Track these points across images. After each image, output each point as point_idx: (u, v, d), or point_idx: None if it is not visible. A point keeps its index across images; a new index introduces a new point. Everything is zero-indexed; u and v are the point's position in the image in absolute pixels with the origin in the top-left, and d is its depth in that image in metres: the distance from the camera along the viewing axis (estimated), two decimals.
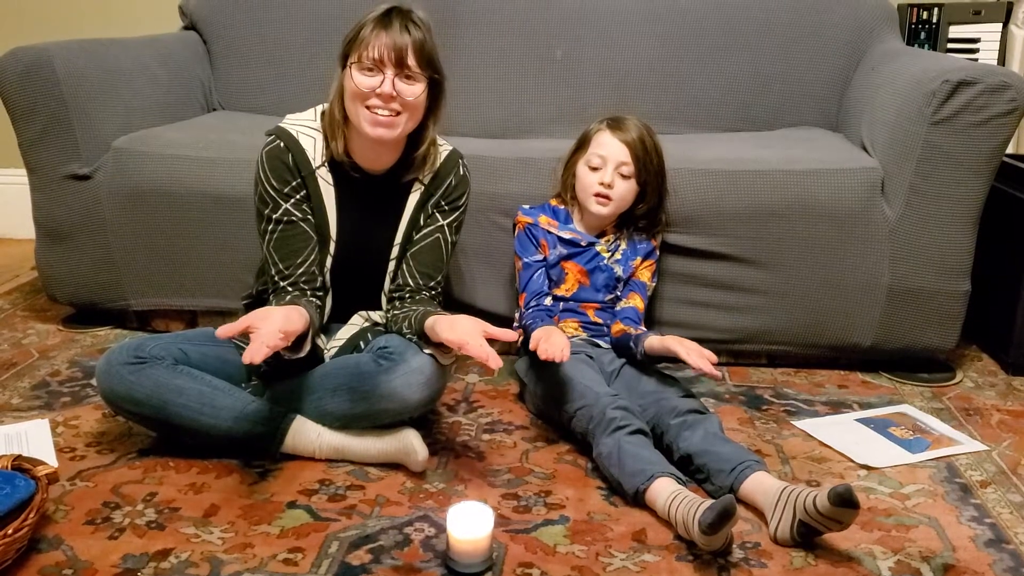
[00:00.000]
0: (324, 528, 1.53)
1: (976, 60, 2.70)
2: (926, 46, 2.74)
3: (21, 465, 1.52)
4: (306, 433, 1.73)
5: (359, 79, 1.70)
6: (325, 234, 1.82)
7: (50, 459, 1.72)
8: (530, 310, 2.02)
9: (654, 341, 1.87)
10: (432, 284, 1.86)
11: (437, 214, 1.86)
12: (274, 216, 1.78)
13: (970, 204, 2.07)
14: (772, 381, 2.19)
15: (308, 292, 1.79)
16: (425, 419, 1.89)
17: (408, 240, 1.86)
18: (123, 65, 2.43)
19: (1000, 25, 2.71)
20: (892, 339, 2.17)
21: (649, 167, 1.99)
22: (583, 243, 2.05)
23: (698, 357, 1.76)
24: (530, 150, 2.26)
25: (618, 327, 1.99)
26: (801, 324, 2.18)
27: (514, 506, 1.61)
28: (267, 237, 1.79)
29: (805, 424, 1.95)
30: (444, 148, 1.88)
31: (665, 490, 1.56)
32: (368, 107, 1.70)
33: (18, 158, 2.34)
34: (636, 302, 2.05)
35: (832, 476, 1.74)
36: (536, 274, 2.05)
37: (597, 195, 1.99)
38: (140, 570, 1.41)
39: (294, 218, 1.78)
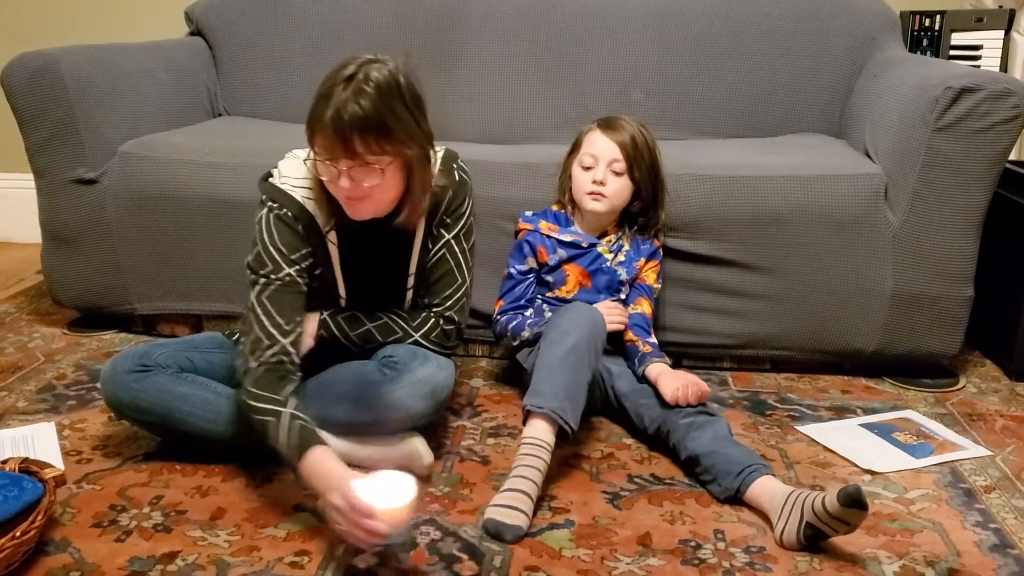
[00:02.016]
0: (330, 531, 1.53)
1: (978, 67, 2.71)
2: (928, 53, 2.75)
3: (29, 468, 1.52)
4: None
5: (320, 169, 1.56)
6: (334, 294, 1.78)
7: (56, 462, 1.73)
8: (505, 316, 2.05)
9: (652, 371, 1.88)
10: (439, 300, 1.78)
11: (442, 230, 1.77)
12: (275, 276, 1.64)
13: (973, 210, 2.08)
14: (776, 386, 2.19)
15: (297, 361, 1.64)
16: (430, 423, 1.89)
17: (422, 266, 1.79)
18: (129, 70, 2.44)
19: (1002, 32, 2.71)
20: (895, 345, 2.17)
21: (641, 163, 2.00)
22: (584, 244, 2.06)
23: (680, 397, 1.78)
24: (534, 155, 2.27)
25: (628, 335, 2.00)
26: (805, 329, 2.19)
27: None
28: (260, 291, 1.63)
29: (809, 429, 1.96)
30: (435, 158, 1.72)
31: None
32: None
33: (23, 162, 2.35)
34: (644, 308, 2.05)
35: (836, 481, 1.74)
36: (519, 285, 2.07)
37: (591, 193, 2.00)
38: (147, 572, 1.42)
39: (297, 281, 1.66)
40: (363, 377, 1.72)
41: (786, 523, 1.51)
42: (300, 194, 1.66)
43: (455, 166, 1.78)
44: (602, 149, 1.99)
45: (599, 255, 2.06)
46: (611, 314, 1.95)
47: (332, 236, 1.71)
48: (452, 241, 1.77)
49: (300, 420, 1.51)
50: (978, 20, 2.74)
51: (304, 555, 1.47)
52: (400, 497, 1.36)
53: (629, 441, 1.89)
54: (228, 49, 2.81)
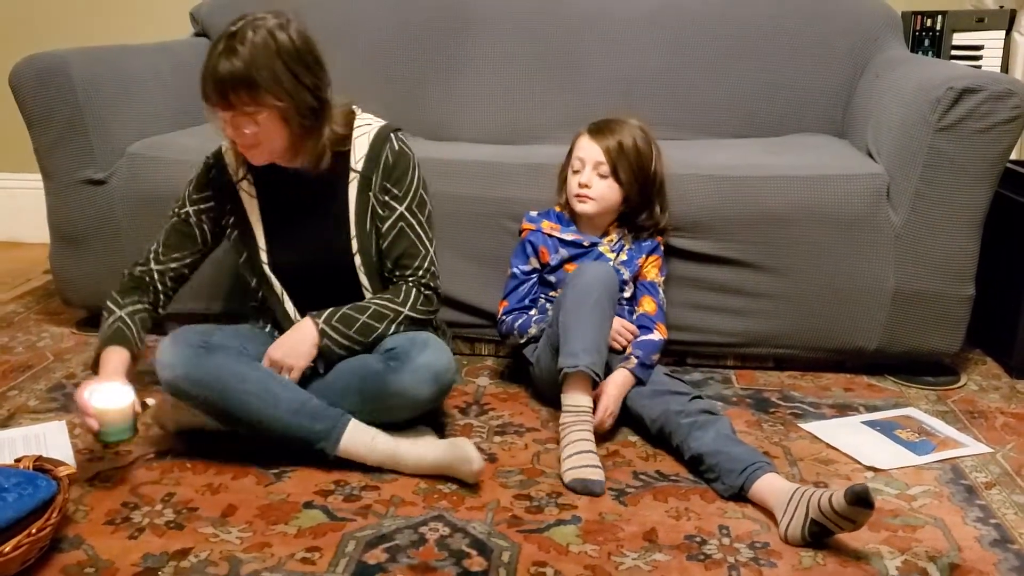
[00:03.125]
0: (340, 528, 1.56)
1: (980, 67, 2.73)
2: (930, 53, 2.77)
3: (43, 466, 1.55)
4: (361, 435, 1.73)
5: (210, 119, 1.72)
6: (252, 244, 1.86)
7: (68, 460, 1.74)
8: (511, 316, 2.08)
9: (608, 379, 1.90)
10: (411, 271, 1.84)
11: (392, 201, 1.83)
12: (178, 211, 1.88)
13: (974, 210, 2.10)
14: (779, 384, 2.21)
15: (162, 291, 1.89)
16: (437, 422, 1.92)
17: (367, 236, 1.84)
18: (137, 72, 2.46)
19: (1003, 32, 2.73)
20: (897, 343, 2.19)
21: (625, 166, 2.02)
22: (586, 244, 2.09)
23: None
24: (538, 156, 2.29)
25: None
26: (807, 328, 2.21)
27: (527, 506, 1.64)
28: (164, 225, 1.89)
29: (812, 427, 1.98)
30: (370, 128, 1.84)
31: None
32: None
33: (30, 163, 2.37)
34: (647, 307, 2.07)
35: (839, 478, 1.76)
36: (523, 285, 2.11)
37: (577, 195, 2.05)
38: (160, 569, 1.44)
39: (191, 220, 1.87)
40: (366, 369, 1.76)
41: (791, 520, 1.53)
42: (226, 144, 1.84)
43: (393, 136, 1.85)
44: (587, 153, 2.04)
45: (601, 255, 2.08)
46: (620, 334, 1.98)
47: (247, 185, 1.84)
48: (405, 212, 1.84)
49: (121, 323, 1.78)
50: (979, 20, 2.75)
51: (315, 551, 1.49)
52: (116, 401, 1.62)
53: (634, 439, 1.91)
54: None
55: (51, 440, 1.84)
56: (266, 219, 1.85)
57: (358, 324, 1.78)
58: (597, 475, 1.70)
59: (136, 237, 2.31)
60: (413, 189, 1.85)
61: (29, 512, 1.42)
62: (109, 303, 1.83)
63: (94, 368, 1.76)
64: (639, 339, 1.99)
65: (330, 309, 1.78)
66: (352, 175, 1.83)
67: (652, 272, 2.11)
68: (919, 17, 2.78)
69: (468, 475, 1.69)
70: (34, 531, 1.40)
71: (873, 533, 1.57)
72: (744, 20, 2.65)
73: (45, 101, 2.25)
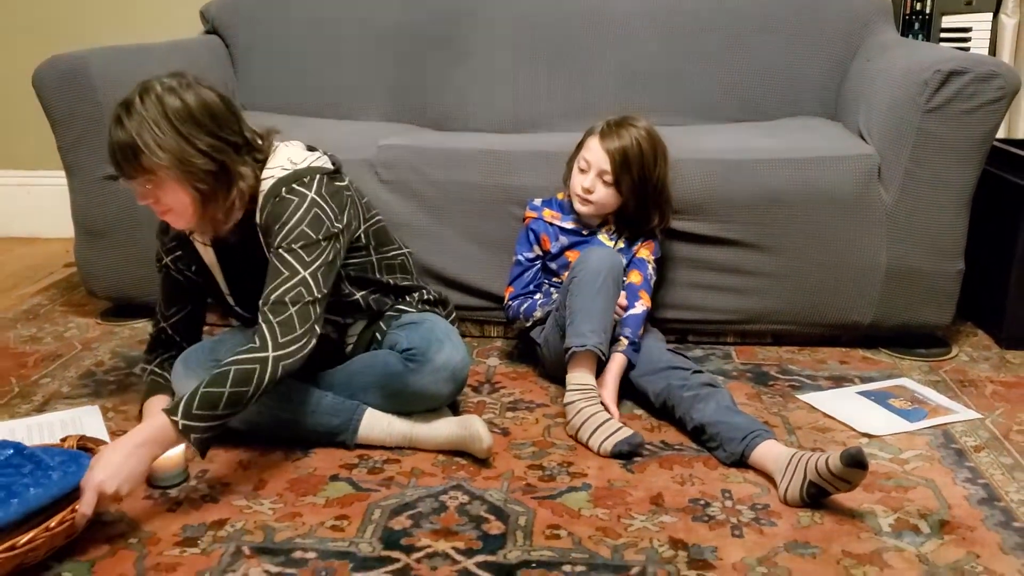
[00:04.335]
0: (366, 498, 1.66)
1: (968, 49, 2.81)
2: (920, 36, 2.85)
3: (85, 445, 1.64)
4: (377, 423, 1.83)
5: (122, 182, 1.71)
6: (217, 290, 1.89)
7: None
8: (516, 300, 2.18)
9: (606, 370, 2.00)
10: (266, 303, 1.67)
11: (273, 244, 1.71)
12: (159, 264, 1.92)
13: (962, 187, 2.19)
14: (777, 359, 2.31)
15: (181, 340, 1.95)
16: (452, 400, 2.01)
17: None
18: (153, 70, 2.51)
19: (991, 15, 2.82)
20: (891, 317, 2.29)
21: (627, 180, 2.07)
22: (585, 232, 2.17)
23: None
24: (542, 144, 2.38)
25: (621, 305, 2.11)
26: (804, 304, 2.30)
27: (540, 475, 1.74)
28: (159, 275, 1.93)
29: (809, 397, 2.07)
30: (271, 179, 1.74)
31: None
32: None
33: (47, 160, 2.45)
34: (634, 278, 2.15)
35: (835, 444, 1.86)
36: (527, 272, 2.19)
37: (579, 196, 2.11)
38: (200, 538, 1.54)
39: (171, 271, 1.90)
40: (387, 368, 1.84)
41: (790, 482, 1.63)
42: None
43: (284, 188, 1.72)
44: (595, 157, 2.08)
45: (600, 243, 2.16)
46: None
47: (199, 236, 1.83)
48: (278, 250, 1.70)
49: (154, 375, 1.91)
50: (967, 3, 2.84)
51: (344, 519, 1.59)
52: (171, 450, 1.63)
53: (639, 412, 2.00)
54: (244, 46, 2.92)
55: (87, 423, 1.93)
56: (224, 266, 1.86)
57: (224, 399, 1.57)
58: (630, 432, 1.81)
59: (156, 230, 2.39)
60: (288, 228, 1.69)
61: (72, 489, 1.51)
62: (141, 363, 1.98)
63: (140, 417, 1.86)
64: (626, 314, 2.09)
65: (185, 398, 1.56)
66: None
67: (644, 252, 2.19)
68: (909, 1, 2.86)
69: (479, 451, 1.78)
70: (78, 507, 1.46)
71: (868, 494, 1.67)
72: (739, 9, 2.73)
73: (68, 101, 2.34)
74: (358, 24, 2.86)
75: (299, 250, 1.68)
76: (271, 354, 1.61)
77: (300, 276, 1.67)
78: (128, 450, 1.51)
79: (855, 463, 1.55)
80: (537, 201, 2.23)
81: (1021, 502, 1.65)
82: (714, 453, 1.80)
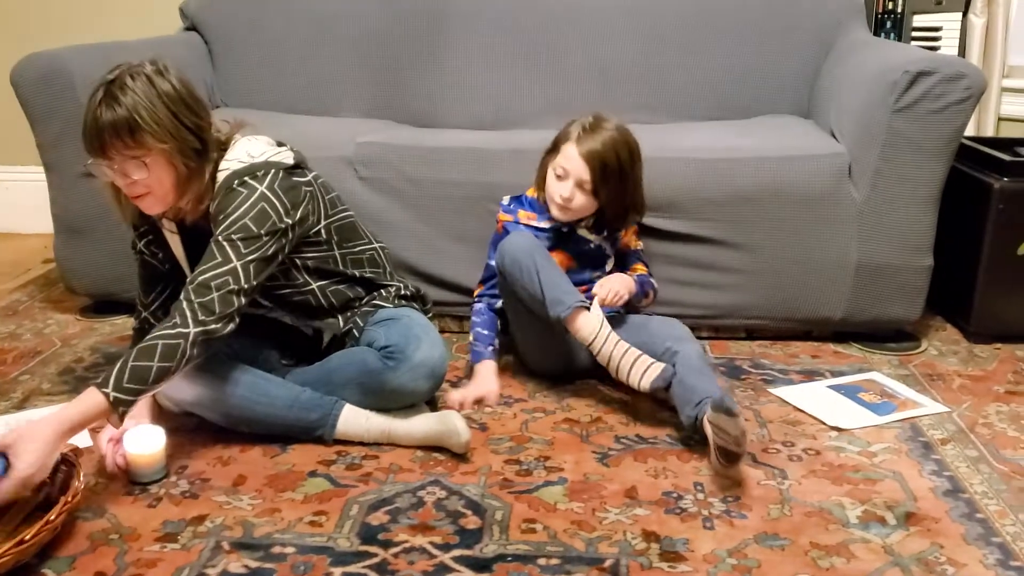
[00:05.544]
0: (344, 493, 1.68)
1: (938, 48, 2.86)
2: (892, 35, 2.90)
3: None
4: (355, 418, 1.85)
5: (98, 172, 1.73)
6: (181, 276, 1.89)
7: (84, 438, 1.84)
8: (478, 307, 2.19)
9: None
10: (192, 283, 1.71)
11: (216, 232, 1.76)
12: (134, 251, 1.95)
13: (931, 185, 2.23)
14: (750, 353, 2.35)
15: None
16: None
17: None
18: None
19: (960, 15, 2.87)
20: (861, 312, 2.33)
21: (605, 188, 2.04)
22: (564, 229, 2.15)
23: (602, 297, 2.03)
24: (520, 142, 2.40)
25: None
26: (776, 300, 2.34)
27: (516, 470, 1.77)
28: (136, 261, 1.97)
29: (781, 391, 2.11)
30: (227, 170, 1.78)
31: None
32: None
33: (24, 155, 2.45)
34: (641, 268, 2.23)
35: (806, 437, 1.90)
36: (496, 276, 2.13)
37: (558, 204, 2.07)
38: (179, 534, 1.56)
39: (145, 256, 1.94)
40: (365, 365, 1.87)
41: (710, 452, 1.72)
42: (112, 203, 1.85)
43: (236, 181, 1.76)
44: (574, 166, 2.02)
45: (580, 237, 2.16)
46: (616, 297, 2.07)
47: (167, 223, 1.86)
48: (218, 238, 1.74)
49: None
50: (938, 3, 2.89)
51: (322, 515, 1.61)
52: (149, 446, 1.71)
53: (616, 405, 2.03)
54: (223, 43, 2.92)
55: None
56: (189, 255, 1.88)
57: (152, 372, 1.62)
58: (661, 367, 1.88)
59: (130, 219, 2.41)
60: (231, 220, 1.73)
61: None
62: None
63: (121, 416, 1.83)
64: (642, 283, 2.17)
65: (115, 371, 1.60)
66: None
67: (633, 240, 2.24)
68: (881, 0, 2.90)
69: (457, 447, 1.81)
70: (52, 517, 1.46)
71: (836, 487, 1.71)
72: (714, 8, 2.77)
73: (47, 99, 2.34)
74: (337, 21, 2.87)
75: (237, 241, 1.72)
76: (192, 330, 1.66)
77: (231, 265, 1.71)
78: (54, 441, 1.53)
79: (720, 408, 1.65)
80: (507, 200, 2.21)
81: (985, 494, 1.69)
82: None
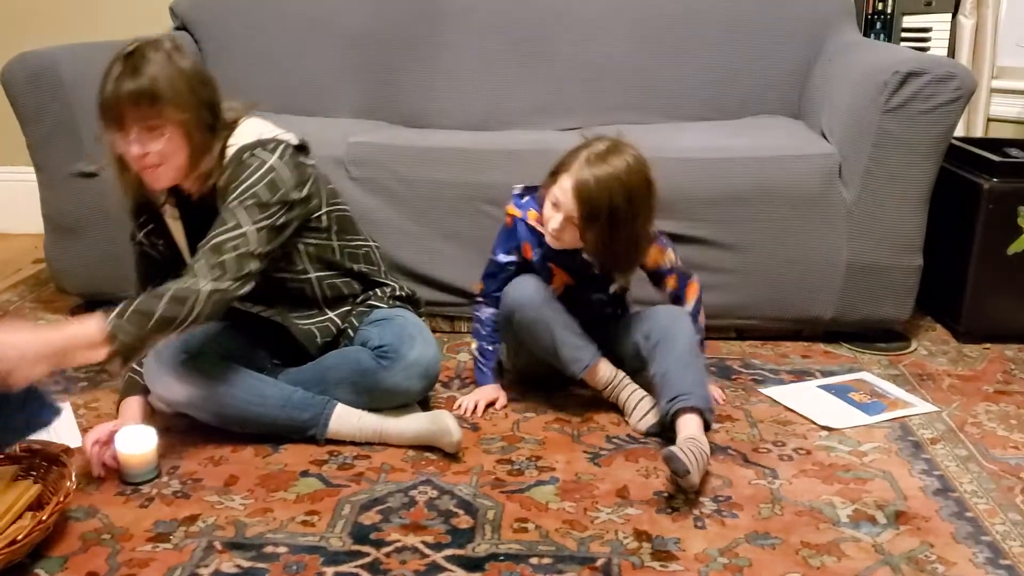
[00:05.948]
0: (336, 493, 1.68)
1: (928, 49, 2.87)
2: (881, 36, 2.91)
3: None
4: (348, 417, 1.85)
5: (114, 143, 1.71)
6: (182, 265, 1.81)
7: (75, 439, 1.85)
8: (479, 307, 2.13)
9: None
10: (209, 243, 1.72)
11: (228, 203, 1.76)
12: (134, 241, 1.93)
13: (921, 185, 2.24)
14: (741, 353, 2.36)
15: None
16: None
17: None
18: None
19: (950, 15, 2.88)
20: (851, 312, 2.34)
21: (590, 236, 1.85)
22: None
23: None
24: (513, 142, 2.41)
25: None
26: (767, 300, 2.35)
27: (508, 470, 1.77)
28: (134, 254, 1.96)
29: (771, 391, 2.12)
30: (232, 148, 1.79)
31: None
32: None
33: (14, 155, 2.44)
34: (672, 284, 2.05)
35: (796, 437, 1.91)
36: (500, 273, 2.06)
37: (549, 233, 1.91)
38: (171, 534, 1.56)
39: (145, 246, 1.92)
40: (359, 365, 1.87)
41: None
42: (116, 182, 1.83)
43: (245, 155, 1.77)
44: (564, 201, 1.83)
45: (584, 260, 1.97)
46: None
47: (170, 209, 1.86)
48: (230, 206, 1.74)
49: (132, 372, 1.86)
50: (927, 4, 2.90)
51: (314, 515, 1.61)
52: (141, 447, 1.71)
53: (607, 405, 2.03)
54: (213, 42, 2.91)
55: (57, 420, 1.93)
56: (191, 242, 1.86)
57: (158, 314, 1.61)
58: (660, 413, 1.87)
59: (127, 227, 2.40)
60: (243, 188, 1.74)
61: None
62: None
63: (117, 414, 1.87)
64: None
65: (120, 306, 1.61)
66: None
67: (658, 257, 2.00)
68: (871, 1, 2.91)
69: (448, 446, 1.81)
70: (45, 517, 1.47)
71: (826, 486, 1.72)
72: (705, 9, 2.78)
73: (37, 98, 2.34)
74: (329, 20, 2.87)
75: (250, 207, 1.73)
76: (205, 287, 1.66)
77: (243, 230, 1.72)
78: (38, 346, 1.51)
79: (670, 465, 1.63)
80: (521, 192, 2.04)
81: (974, 493, 1.70)
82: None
